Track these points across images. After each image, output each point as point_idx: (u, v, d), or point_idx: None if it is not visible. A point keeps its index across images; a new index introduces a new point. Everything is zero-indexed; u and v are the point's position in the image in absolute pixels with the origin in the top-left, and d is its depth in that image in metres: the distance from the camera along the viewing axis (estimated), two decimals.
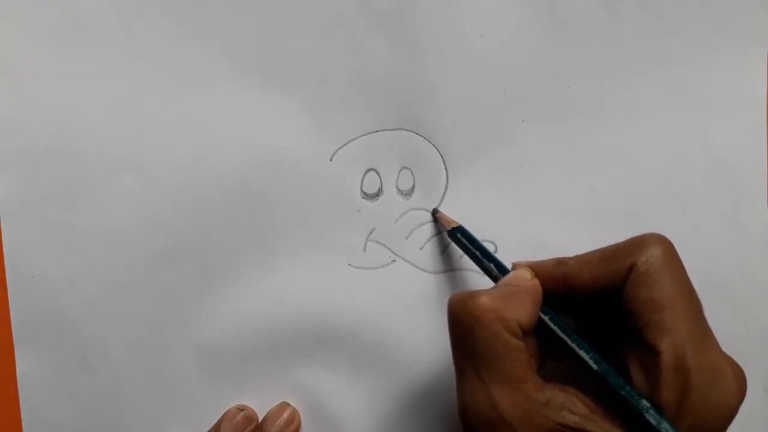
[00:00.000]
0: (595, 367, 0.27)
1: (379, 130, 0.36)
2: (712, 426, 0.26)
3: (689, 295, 0.27)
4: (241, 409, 0.35)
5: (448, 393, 0.35)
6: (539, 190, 0.36)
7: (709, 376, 0.26)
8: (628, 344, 0.27)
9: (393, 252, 0.36)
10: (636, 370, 0.26)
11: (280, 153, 0.35)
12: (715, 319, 0.28)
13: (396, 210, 0.36)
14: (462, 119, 0.36)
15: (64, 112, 0.35)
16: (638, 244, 0.28)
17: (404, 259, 0.36)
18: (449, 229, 0.34)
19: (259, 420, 0.35)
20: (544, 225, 0.36)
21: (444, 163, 0.36)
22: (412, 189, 0.36)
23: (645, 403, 0.25)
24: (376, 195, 0.36)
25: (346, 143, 0.36)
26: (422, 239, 0.36)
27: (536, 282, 0.29)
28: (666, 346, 0.25)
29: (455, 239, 0.34)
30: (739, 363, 0.27)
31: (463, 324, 0.27)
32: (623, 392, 0.26)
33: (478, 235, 0.35)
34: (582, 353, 0.27)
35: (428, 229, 0.36)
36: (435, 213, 0.36)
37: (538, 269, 0.30)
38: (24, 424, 0.35)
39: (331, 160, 0.36)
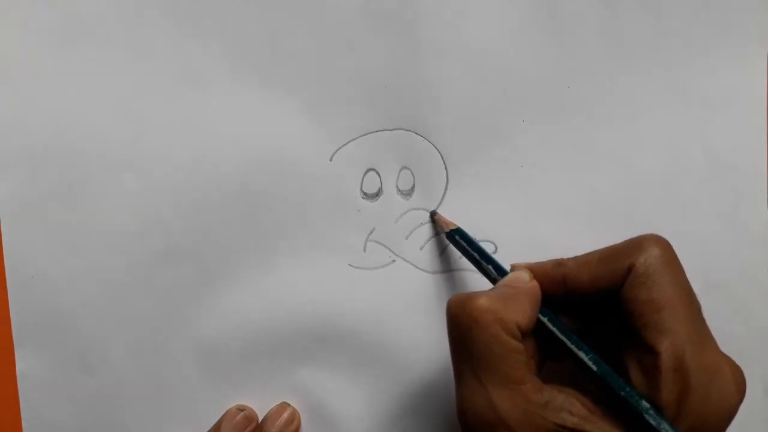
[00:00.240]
0: (594, 368, 0.27)
1: (379, 130, 0.36)
2: (711, 426, 0.26)
3: (688, 295, 0.27)
4: (241, 409, 0.35)
5: (447, 393, 0.35)
6: (539, 190, 0.36)
7: (708, 376, 0.26)
8: (626, 345, 0.27)
9: (393, 252, 0.36)
10: (635, 371, 0.26)
11: (280, 153, 0.35)
12: (715, 319, 0.28)
13: (396, 210, 0.36)
14: (462, 119, 0.36)
15: (64, 112, 0.35)
16: (637, 245, 0.28)
17: (404, 259, 0.36)
18: (447, 231, 0.34)
19: (259, 420, 0.35)
20: (544, 225, 0.36)
21: (444, 163, 0.36)
22: (412, 189, 0.36)
23: (645, 403, 0.25)
24: (376, 195, 0.36)
25: (346, 143, 0.36)
26: (422, 239, 0.36)
27: (535, 283, 0.29)
28: (665, 347, 0.25)
29: (453, 241, 0.34)
30: (739, 363, 0.27)
31: (462, 325, 0.27)
32: (623, 393, 0.26)
33: (478, 234, 0.35)
34: (581, 354, 0.27)
35: (428, 229, 0.36)
36: (433, 215, 0.36)
37: (536, 271, 0.30)
38: (24, 424, 0.35)
39: (331, 160, 0.36)
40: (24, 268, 0.35)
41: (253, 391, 0.36)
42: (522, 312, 0.27)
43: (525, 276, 0.30)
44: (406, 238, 0.36)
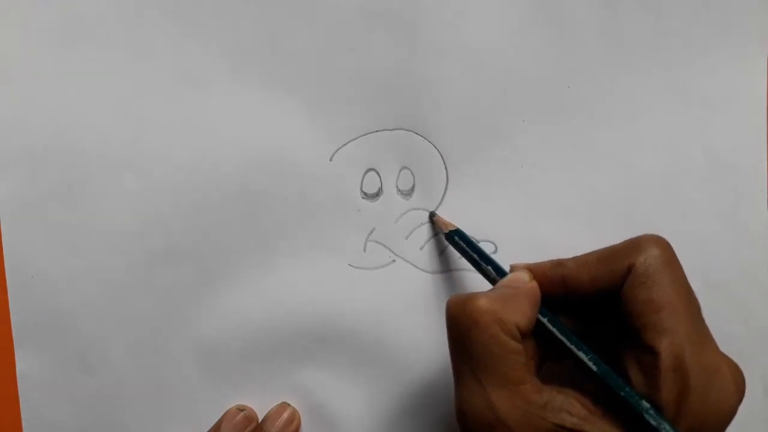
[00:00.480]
0: (594, 368, 0.27)
1: (379, 130, 0.36)
2: (710, 426, 0.26)
3: (687, 296, 0.27)
4: (241, 409, 0.35)
5: (447, 393, 0.35)
6: (539, 190, 0.36)
7: (707, 376, 0.26)
8: (626, 345, 0.27)
9: (393, 252, 0.36)
10: (634, 371, 0.26)
11: (280, 153, 0.35)
12: (715, 319, 0.28)
13: (396, 210, 0.36)
14: (462, 119, 0.36)
15: (64, 112, 0.35)
16: (636, 245, 0.28)
17: (404, 259, 0.36)
18: (446, 232, 0.34)
19: (259, 420, 0.35)
20: (544, 225, 0.36)
21: (444, 162, 0.36)
22: (412, 189, 0.36)
23: (645, 403, 0.25)
24: (376, 195, 0.36)
25: (346, 143, 0.36)
26: (422, 239, 0.36)
27: (534, 284, 0.29)
28: (665, 347, 0.25)
29: (453, 242, 0.34)
30: (739, 363, 0.27)
31: (461, 326, 0.27)
32: (623, 393, 0.26)
33: (478, 234, 0.35)
34: (581, 354, 0.27)
35: (428, 229, 0.36)
36: (432, 216, 0.36)
37: (536, 271, 0.30)
38: (24, 424, 0.35)
39: (331, 160, 0.36)
40: (24, 268, 0.35)
41: (253, 391, 0.36)
42: (521, 313, 0.27)
43: (524, 276, 0.30)
44: (406, 238, 0.36)
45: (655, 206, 0.36)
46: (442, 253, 0.36)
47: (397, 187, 0.36)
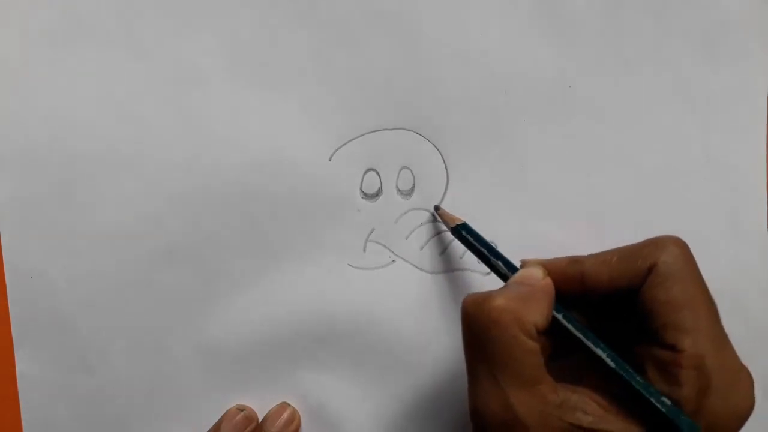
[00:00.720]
0: (612, 364, 0.26)
1: (379, 130, 0.36)
2: (726, 427, 0.26)
3: (708, 297, 0.27)
4: (241, 409, 0.35)
5: (448, 393, 0.35)
6: (539, 190, 0.36)
7: (729, 377, 0.26)
8: (642, 343, 0.27)
9: (393, 252, 0.36)
10: (652, 369, 0.26)
11: (279, 153, 0.35)
12: None
13: (396, 210, 0.36)
14: (462, 119, 0.36)
15: (64, 111, 0.35)
16: (657, 244, 0.28)
17: (404, 260, 0.36)
18: (453, 226, 0.34)
19: (259, 420, 0.35)
20: (544, 225, 0.36)
21: (444, 162, 0.36)
22: (412, 189, 0.36)
23: (666, 400, 0.25)
24: (376, 195, 0.36)
25: (346, 143, 0.36)
26: (422, 239, 0.36)
27: (549, 281, 0.29)
28: (688, 345, 0.25)
29: (460, 237, 0.33)
30: None
31: (479, 326, 0.26)
32: (643, 390, 0.25)
33: None
34: (599, 351, 0.27)
35: (428, 229, 0.36)
36: (437, 209, 0.35)
37: (551, 267, 0.29)
38: (24, 424, 0.35)
39: (330, 160, 0.36)
40: (23, 268, 0.35)
41: (253, 391, 0.36)
42: (539, 312, 0.27)
43: (538, 273, 0.29)
44: (406, 238, 0.36)
45: (655, 206, 0.36)
46: (442, 253, 0.36)
47: (397, 187, 0.36)
